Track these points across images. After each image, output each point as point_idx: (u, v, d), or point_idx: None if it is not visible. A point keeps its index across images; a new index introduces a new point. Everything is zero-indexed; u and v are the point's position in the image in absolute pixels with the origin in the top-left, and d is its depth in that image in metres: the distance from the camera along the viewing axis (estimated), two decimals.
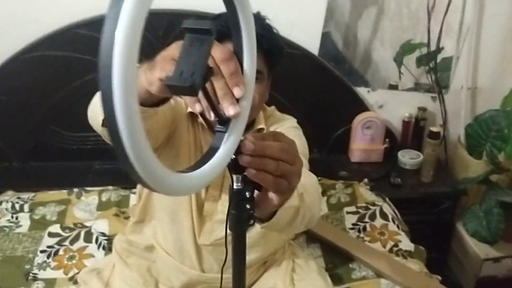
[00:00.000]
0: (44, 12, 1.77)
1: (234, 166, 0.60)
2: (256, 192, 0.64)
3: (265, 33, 1.07)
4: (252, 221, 0.66)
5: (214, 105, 0.56)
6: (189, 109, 1.15)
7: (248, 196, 0.63)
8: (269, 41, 1.06)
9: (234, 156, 0.60)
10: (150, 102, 0.73)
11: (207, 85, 0.54)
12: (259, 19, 1.07)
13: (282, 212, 0.72)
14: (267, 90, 1.16)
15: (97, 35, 1.77)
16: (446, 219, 2.01)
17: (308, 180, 0.94)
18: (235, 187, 0.62)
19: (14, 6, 1.76)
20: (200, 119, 1.15)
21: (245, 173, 0.61)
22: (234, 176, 0.62)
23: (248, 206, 0.64)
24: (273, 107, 1.30)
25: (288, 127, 1.22)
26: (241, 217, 0.64)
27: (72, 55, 1.81)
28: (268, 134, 0.61)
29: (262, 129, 1.17)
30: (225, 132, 0.57)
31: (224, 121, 0.58)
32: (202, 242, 1.19)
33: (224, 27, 0.91)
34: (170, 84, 0.49)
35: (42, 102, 1.89)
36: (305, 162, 1.10)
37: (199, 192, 1.17)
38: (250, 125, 1.15)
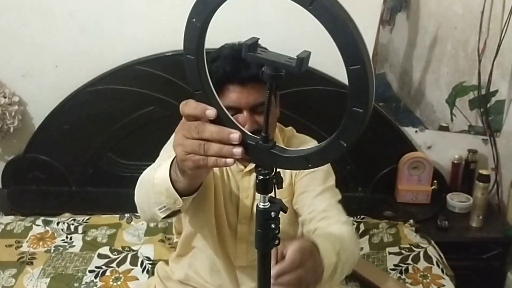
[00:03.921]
0: (108, 50, 1.93)
1: (261, 186, 0.65)
2: None
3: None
4: (277, 241, 0.69)
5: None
6: None
7: (273, 216, 0.67)
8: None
9: (261, 177, 0.65)
10: (194, 187, 0.84)
11: None
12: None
13: None
14: (277, 109, 1.18)
15: (154, 71, 1.91)
16: (496, 266, 1.91)
17: (345, 231, 1.00)
18: (261, 206, 0.66)
19: (83, 43, 1.92)
20: None
21: (271, 194, 0.65)
22: (261, 196, 0.66)
23: (273, 226, 0.67)
24: (291, 128, 1.32)
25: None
26: (266, 236, 0.68)
27: (131, 89, 1.95)
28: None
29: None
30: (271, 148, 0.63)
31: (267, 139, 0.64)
32: (239, 264, 1.23)
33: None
34: None
35: (102, 131, 2.02)
36: (332, 182, 1.17)
37: (232, 214, 1.21)
38: None
